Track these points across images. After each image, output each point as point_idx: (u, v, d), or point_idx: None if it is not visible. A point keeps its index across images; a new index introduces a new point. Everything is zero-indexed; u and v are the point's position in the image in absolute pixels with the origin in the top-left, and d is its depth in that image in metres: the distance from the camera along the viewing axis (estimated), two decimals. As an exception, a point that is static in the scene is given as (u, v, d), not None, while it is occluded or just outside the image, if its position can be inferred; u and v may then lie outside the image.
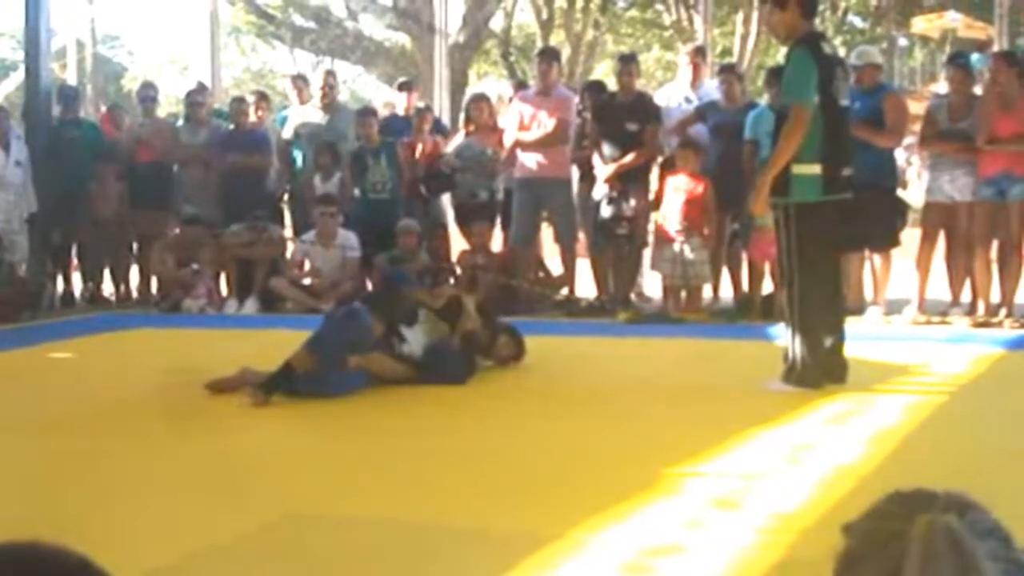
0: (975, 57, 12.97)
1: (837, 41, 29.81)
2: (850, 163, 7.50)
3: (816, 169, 7.26)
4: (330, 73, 14.62)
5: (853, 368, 7.52)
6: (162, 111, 17.70)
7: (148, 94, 14.10)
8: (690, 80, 12.26)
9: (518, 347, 8.56)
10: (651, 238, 11.59)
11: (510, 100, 13.58)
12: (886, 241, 10.72)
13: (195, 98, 13.75)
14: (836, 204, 7.39)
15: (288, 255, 12.72)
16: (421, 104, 13.44)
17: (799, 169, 7.26)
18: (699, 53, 12.87)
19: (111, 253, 13.36)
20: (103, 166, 13.15)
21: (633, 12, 34.28)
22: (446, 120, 18.66)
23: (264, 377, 7.34)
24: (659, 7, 32.99)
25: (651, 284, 12.08)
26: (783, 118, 7.36)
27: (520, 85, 14.19)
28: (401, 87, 14.33)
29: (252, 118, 13.25)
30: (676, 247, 11.09)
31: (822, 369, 7.41)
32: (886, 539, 1.40)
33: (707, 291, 11.62)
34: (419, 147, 12.86)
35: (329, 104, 13.33)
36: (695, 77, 12.24)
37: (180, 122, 13.93)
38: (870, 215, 10.21)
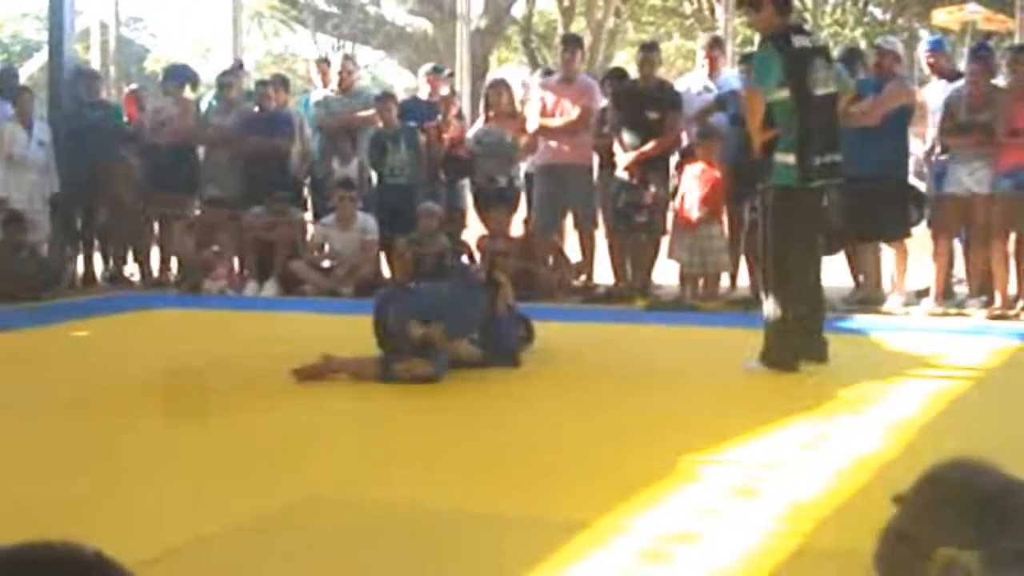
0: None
1: (857, 32, 29.70)
2: (832, 150, 7.63)
3: (790, 159, 7.48)
4: (348, 57, 14.62)
5: (872, 358, 7.59)
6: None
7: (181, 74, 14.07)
8: (707, 72, 12.22)
9: (528, 329, 8.54)
10: (670, 226, 11.59)
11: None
12: (896, 232, 10.69)
13: (226, 79, 13.79)
14: (816, 192, 7.65)
15: (308, 238, 12.77)
16: (445, 91, 13.39)
17: (778, 157, 7.52)
18: (716, 44, 12.69)
19: (132, 234, 13.40)
20: (124, 147, 13.19)
21: (654, 0, 34.17)
22: (467, 105, 18.60)
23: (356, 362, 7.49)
24: (680, -5, 32.94)
25: (666, 272, 12.00)
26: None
27: (548, 72, 14.07)
28: (432, 72, 13.91)
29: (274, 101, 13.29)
30: (694, 234, 11.12)
31: (796, 351, 7.63)
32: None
33: (724, 279, 11.62)
34: (445, 132, 12.82)
35: (347, 88, 13.34)
36: (712, 68, 12.17)
37: (207, 103, 13.93)
38: (880, 206, 10.26)
